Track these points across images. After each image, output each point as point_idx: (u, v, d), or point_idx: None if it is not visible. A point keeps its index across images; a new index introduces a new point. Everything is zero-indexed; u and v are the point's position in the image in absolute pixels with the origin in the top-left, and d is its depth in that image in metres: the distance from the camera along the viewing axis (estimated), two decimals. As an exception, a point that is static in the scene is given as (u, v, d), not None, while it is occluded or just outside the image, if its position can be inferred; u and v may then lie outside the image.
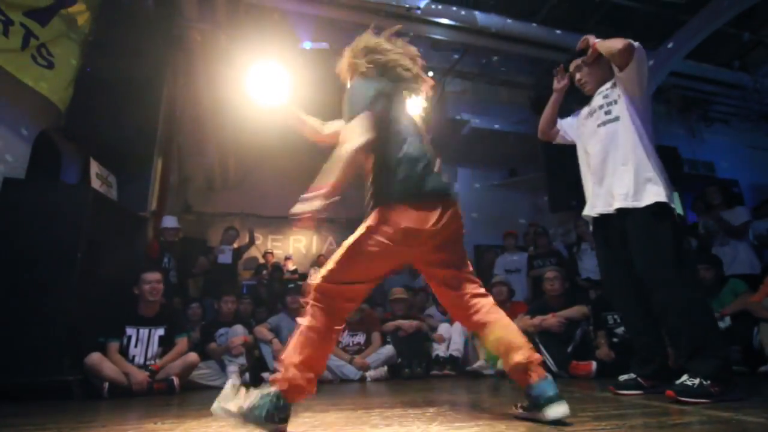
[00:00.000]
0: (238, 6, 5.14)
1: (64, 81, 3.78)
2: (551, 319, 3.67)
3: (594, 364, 3.39)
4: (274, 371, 3.79)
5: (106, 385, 3.08)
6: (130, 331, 3.37)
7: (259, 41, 4.86)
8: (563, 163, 4.13)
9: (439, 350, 4.26)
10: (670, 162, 3.87)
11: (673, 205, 2.16)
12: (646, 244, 2.13)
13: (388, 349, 4.17)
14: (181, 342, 3.51)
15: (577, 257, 5.11)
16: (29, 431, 1.72)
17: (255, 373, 3.98)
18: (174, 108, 5.35)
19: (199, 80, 5.61)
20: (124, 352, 3.30)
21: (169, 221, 5.07)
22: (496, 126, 6.80)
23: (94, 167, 3.81)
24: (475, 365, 3.89)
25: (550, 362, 3.49)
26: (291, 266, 8.71)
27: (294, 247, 10.55)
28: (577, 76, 2.55)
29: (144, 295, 3.43)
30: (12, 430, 1.76)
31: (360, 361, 4.01)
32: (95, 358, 3.12)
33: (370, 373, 3.96)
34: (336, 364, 3.98)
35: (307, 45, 5.04)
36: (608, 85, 2.39)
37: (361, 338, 4.27)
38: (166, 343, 3.45)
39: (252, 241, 6.57)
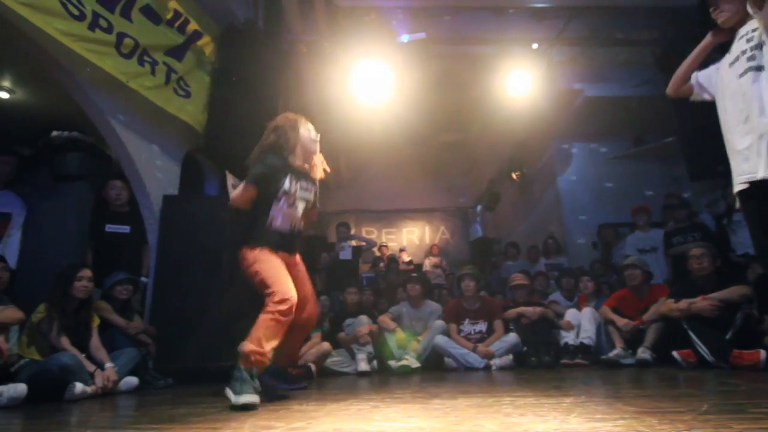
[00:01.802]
0: (336, 14, 5.36)
1: (199, 107, 4.32)
2: (702, 302, 3.21)
3: (763, 353, 2.88)
4: (399, 358, 3.93)
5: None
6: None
7: (359, 42, 5.01)
8: (702, 124, 3.55)
9: (568, 338, 4.02)
10: None
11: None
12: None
13: (513, 337, 4.04)
14: (316, 336, 3.83)
15: (729, 230, 4.40)
16: (204, 407, 2.01)
17: (381, 360, 4.16)
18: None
19: (307, 89, 5.97)
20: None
21: None
22: (614, 92, 6.13)
23: (230, 179, 4.29)
24: (612, 354, 3.58)
25: (704, 351, 3.06)
26: (406, 257, 8.91)
27: (407, 238, 10.78)
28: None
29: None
30: (190, 408, 2.08)
31: (484, 350, 3.95)
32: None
33: (495, 362, 3.88)
34: (460, 352, 3.97)
35: (405, 38, 5.06)
36: (752, 24, 1.98)
37: (482, 326, 4.20)
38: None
39: (370, 245, 6.94)
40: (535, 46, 5.25)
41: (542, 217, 7.61)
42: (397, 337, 4.14)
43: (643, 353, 3.38)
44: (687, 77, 2.27)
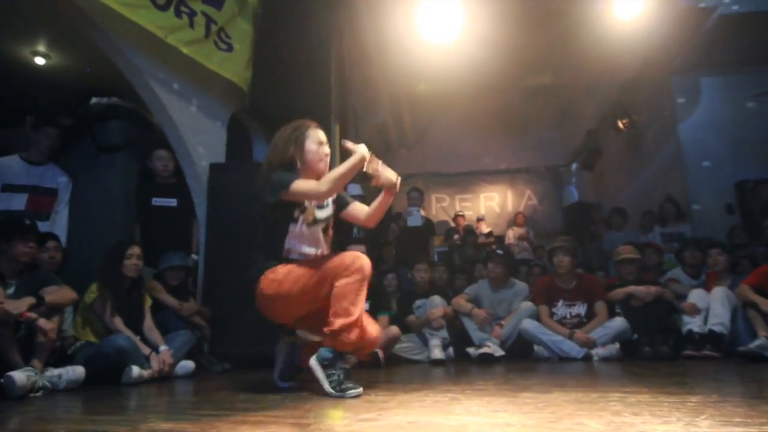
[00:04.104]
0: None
1: (243, 62, 4.44)
2: None
3: None
4: (479, 345, 3.94)
5: (317, 356, 3.64)
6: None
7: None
8: None
9: (693, 324, 3.79)
10: None
11: None
12: None
13: (619, 323, 3.89)
14: (382, 320, 3.94)
15: None
16: (264, 394, 2.15)
17: (459, 348, 4.18)
18: (344, 69, 5.80)
19: (363, 29, 5.92)
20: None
21: (354, 189, 5.60)
22: (760, 6, 5.46)
23: (280, 143, 4.41)
24: (753, 345, 3.32)
25: None
26: (485, 228, 8.80)
27: (486, 206, 10.60)
28: None
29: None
30: (250, 394, 2.23)
31: (583, 337, 3.84)
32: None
33: (598, 351, 3.77)
34: (552, 339, 3.90)
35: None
36: None
37: (581, 309, 4.08)
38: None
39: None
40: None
41: (657, 176, 7.11)
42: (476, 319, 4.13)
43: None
44: None
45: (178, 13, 3.78)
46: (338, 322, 2.03)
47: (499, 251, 4.55)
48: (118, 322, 3.04)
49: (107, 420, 1.71)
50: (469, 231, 7.68)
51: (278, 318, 2.33)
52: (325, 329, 2.07)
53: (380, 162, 2.26)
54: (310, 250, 2.31)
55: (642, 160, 7.62)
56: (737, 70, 6.34)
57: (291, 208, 2.26)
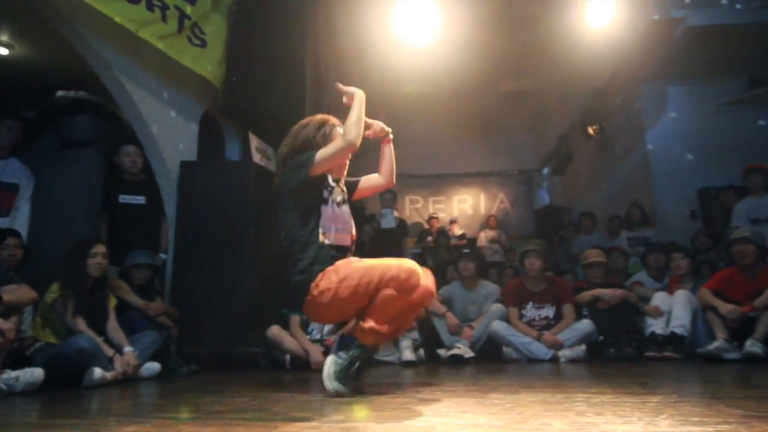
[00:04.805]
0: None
1: (216, 58, 4.38)
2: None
3: None
4: (449, 347, 3.96)
5: (288, 357, 3.60)
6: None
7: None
8: None
9: (656, 326, 3.90)
10: None
11: None
12: None
13: (586, 325, 3.97)
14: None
15: None
16: (231, 396, 2.12)
17: (429, 349, 4.20)
18: (319, 69, 5.77)
19: (340, 31, 5.91)
20: (304, 325, 3.80)
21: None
22: (726, 19, 5.66)
23: (254, 142, 4.37)
24: (711, 346, 3.44)
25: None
26: (457, 230, 8.88)
27: (459, 208, 10.70)
28: None
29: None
30: (217, 396, 2.20)
31: (551, 338, 3.91)
32: (275, 331, 3.67)
33: (565, 353, 3.84)
34: (521, 341, 3.95)
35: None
36: None
37: (549, 311, 4.15)
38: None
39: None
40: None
41: (625, 181, 7.29)
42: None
43: (753, 346, 3.23)
44: None
45: (150, 7, 3.70)
46: (369, 325, 2.05)
47: (466, 251, 4.62)
48: (81, 323, 2.94)
49: (66, 424, 1.65)
50: (442, 233, 7.74)
51: (331, 320, 2.38)
52: (360, 322, 2.10)
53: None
54: (344, 237, 2.30)
55: (611, 166, 7.80)
56: (702, 81, 6.56)
57: (320, 188, 2.25)
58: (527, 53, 6.89)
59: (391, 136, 2.41)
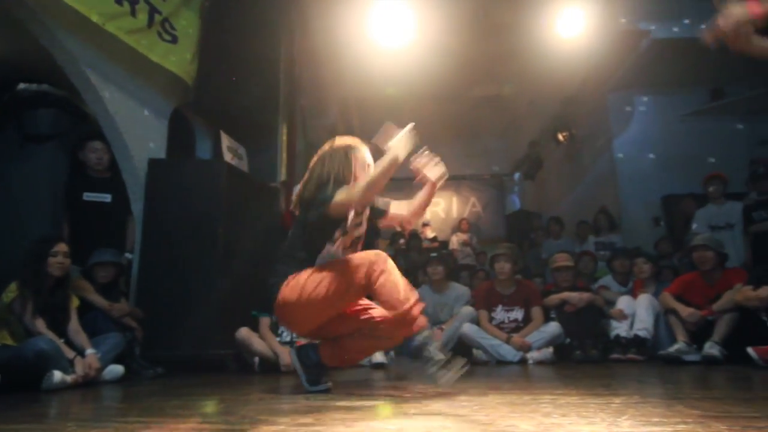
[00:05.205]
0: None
1: (188, 54, 4.30)
2: (788, 290, 3.13)
3: None
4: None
5: (257, 360, 3.55)
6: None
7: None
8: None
9: (620, 329, 4.00)
10: None
11: None
12: None
13: (553, 327, 4.04)
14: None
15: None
16: (196, 399, 2.08)
17: (399, 351, 4.21)
18: (293, 69, 5.73)
19: (315, 31, 5.88)
20: (274, 327, 3.75)
21: None
22: (690, 33, 5.87)
23: (225, 140, 4.30)
24: (672, 349, 3.54)
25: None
26: (430, 233, 8.91)
27: (431, 211, 10.72)
28: None
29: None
30: (182, 400, 2.15)
31: (519, 341, 3.96)
32: (244, 333, 3.61)
33: (533, 355, 3.90)
34: (491, 343, 4.00)
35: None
36: None
37: (518, 314, 4.20)
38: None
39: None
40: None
41: (593, 187, 7.47)
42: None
43: (711, 349, 3.34)
44: None
45: (118, 0, 3.61)
46: (404, 306, 2.08)
47: (434, 254, 4.66)
48: (40, 324, 2.84)
49: (23, 429, 1.59)
50: (415, 236, 7.76)
51: (300, 327, 2.31)
52: (391, 313, 2.10)
53: (426, 154, 2.34)
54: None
55: (579, 172, 7.97)
56: (668, 91, 6.79)
57: (333, 228, 2.20)
58: (500, 59, 6.99)
59: (442, 182, 2.38)
